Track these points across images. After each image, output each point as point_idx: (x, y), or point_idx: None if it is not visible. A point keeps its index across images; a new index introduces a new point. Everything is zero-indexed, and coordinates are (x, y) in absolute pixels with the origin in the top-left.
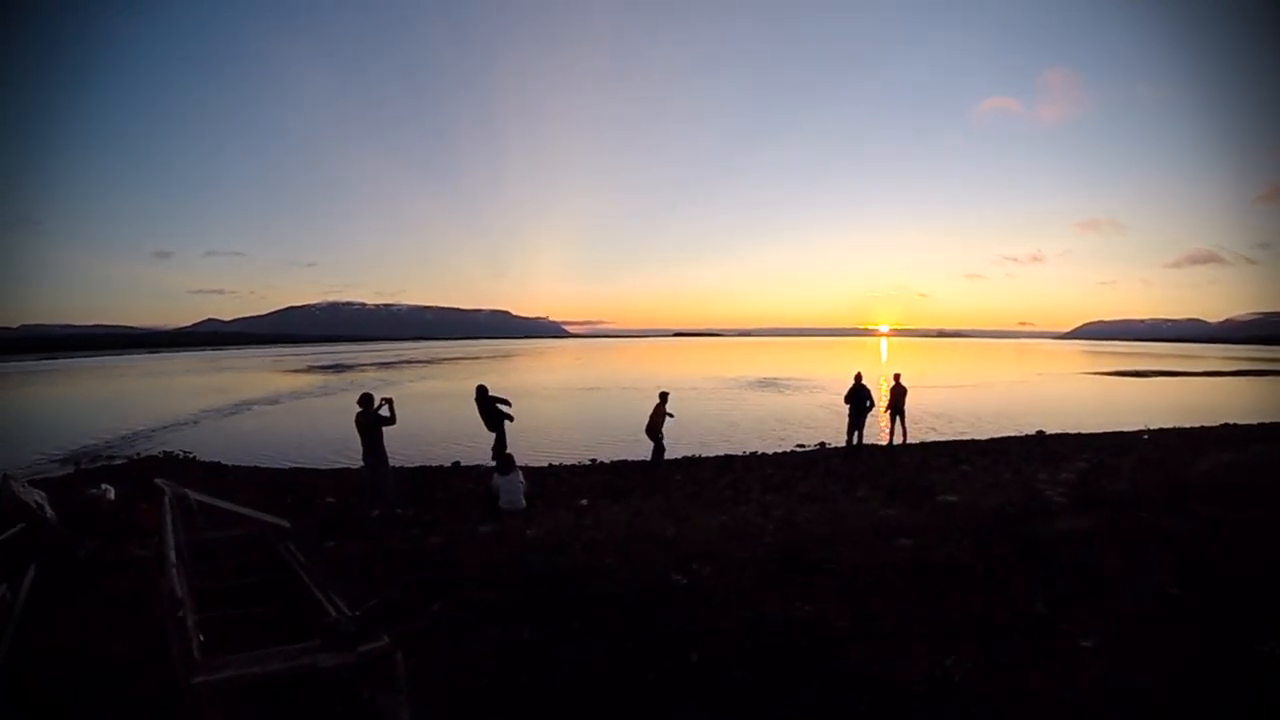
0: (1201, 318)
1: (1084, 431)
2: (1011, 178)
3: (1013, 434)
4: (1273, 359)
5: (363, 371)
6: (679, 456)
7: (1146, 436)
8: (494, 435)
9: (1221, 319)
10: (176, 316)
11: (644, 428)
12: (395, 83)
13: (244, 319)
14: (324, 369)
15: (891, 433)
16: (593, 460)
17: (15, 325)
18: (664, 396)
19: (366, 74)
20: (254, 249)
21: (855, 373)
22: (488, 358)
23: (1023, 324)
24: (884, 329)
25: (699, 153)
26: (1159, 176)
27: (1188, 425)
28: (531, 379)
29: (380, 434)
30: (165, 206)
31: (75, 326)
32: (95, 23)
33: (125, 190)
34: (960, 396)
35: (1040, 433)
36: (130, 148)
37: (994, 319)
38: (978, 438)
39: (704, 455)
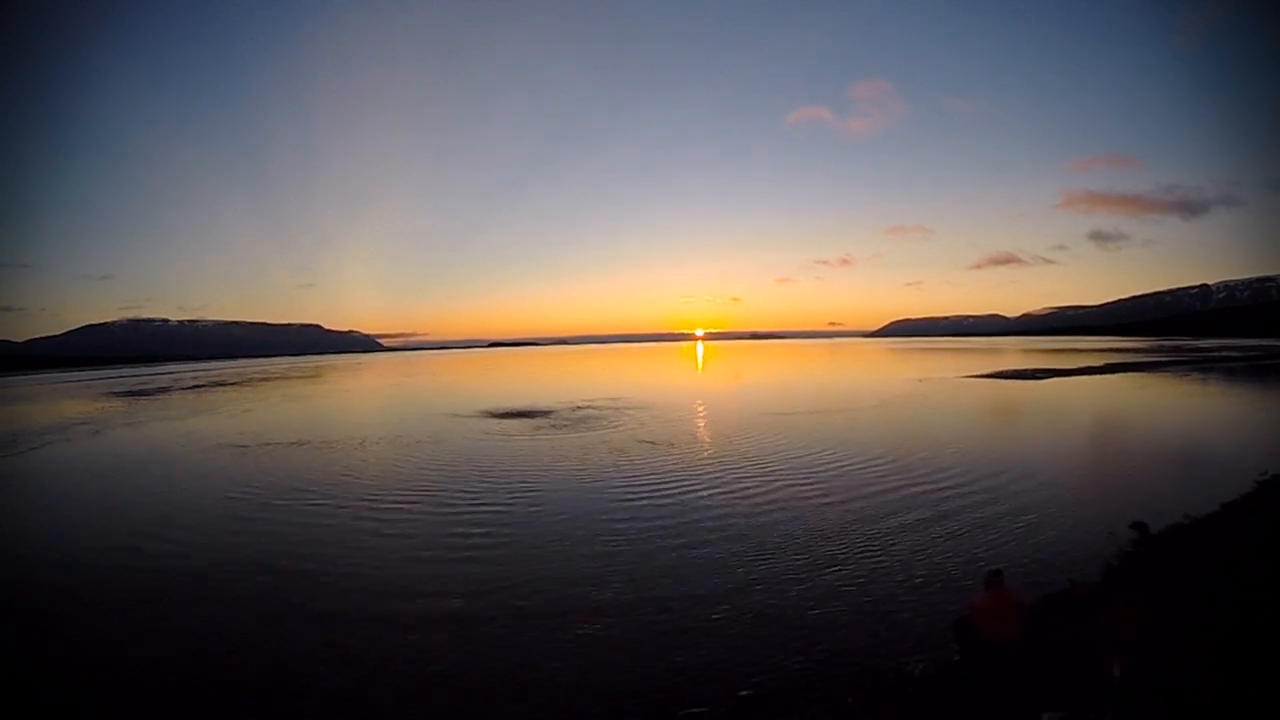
0: (1001, 313)
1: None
2: (824, 185)
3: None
4: (1077, 348)
5: (168, 395)
6: None
7: None
8: None
9: (1019, 314)
10: None
11: None
12: (200, 75)
13: (38, 339)
14: (121, 395)
15: None
16: None
17: None
18: None
19: (169, 67)
20: (42, 260)
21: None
22: (296, 377)
23: (833, 324)
24: (699, 333)
25: (519, 159)
26: (965, 184)
27: None
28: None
29: None
30: None
31: None
32: None
33: None
34: (853, 429)
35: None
36: None
37: (805, 320)
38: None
39: None
